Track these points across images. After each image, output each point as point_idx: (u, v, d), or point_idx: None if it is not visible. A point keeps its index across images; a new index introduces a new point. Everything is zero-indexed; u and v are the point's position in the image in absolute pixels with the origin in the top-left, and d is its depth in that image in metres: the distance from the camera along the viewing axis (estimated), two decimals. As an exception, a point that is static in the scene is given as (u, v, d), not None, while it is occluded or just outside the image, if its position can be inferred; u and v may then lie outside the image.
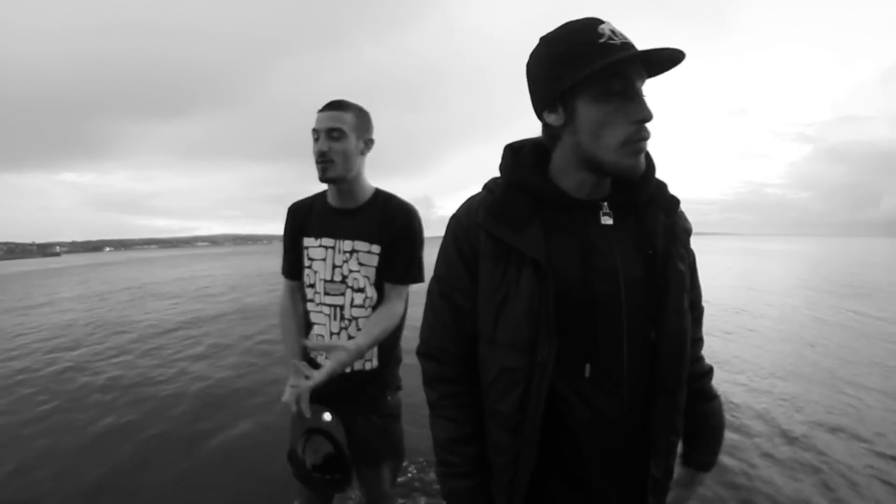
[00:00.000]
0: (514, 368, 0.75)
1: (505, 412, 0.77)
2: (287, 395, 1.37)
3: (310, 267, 1.52)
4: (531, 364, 0.74)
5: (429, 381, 0.88)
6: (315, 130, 1.42)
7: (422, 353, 0.90)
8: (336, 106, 1.42)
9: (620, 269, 0.75)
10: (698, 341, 0.94)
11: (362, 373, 1.49)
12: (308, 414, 1.40)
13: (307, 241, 1.53)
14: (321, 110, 1.43)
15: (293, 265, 1.57)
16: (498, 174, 0.87)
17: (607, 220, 0.78)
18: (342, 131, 1.41)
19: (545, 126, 0.81)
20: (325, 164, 1.41)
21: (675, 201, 0.84)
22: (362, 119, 1.46)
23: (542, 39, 0.77)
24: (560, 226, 0.77)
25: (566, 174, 0.80)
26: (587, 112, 0.73)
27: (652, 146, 0.77)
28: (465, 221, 0.83)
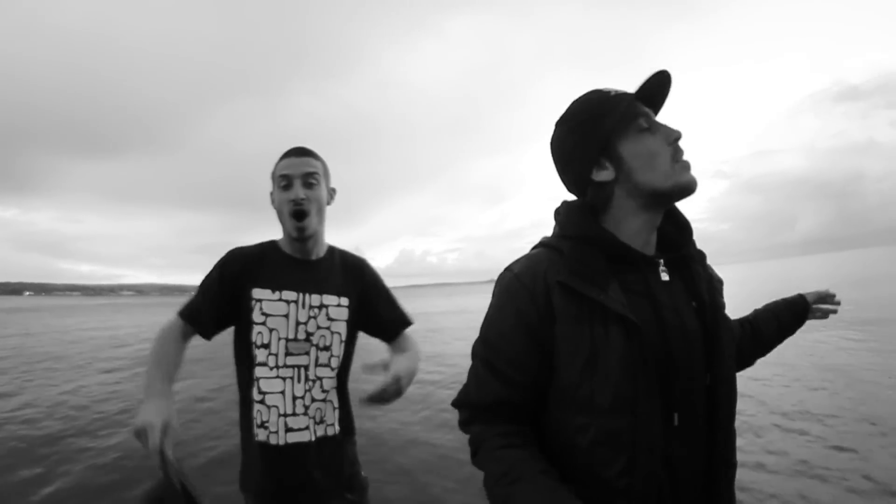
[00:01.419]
0: (619, 431, 0.72)
1: (610, 477, 0.73)
2: (148, 419, 1.02)
3: (263, 323, 1.30)
4: (635, 424, 0.72)
5: (467, 420, 0.84)
6: (285, 176, 1.31)
7: (457, 405, 0.87)
8: (307, 152, 1.35)
9: (682, 321, 0.78)
10: None
11: (324, 440, 1.33)
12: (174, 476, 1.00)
13: (259, 293, 1.31)
14: (288, 156, 1.34)
15: (216, 319, 1.32)
16: (552, 230, 0.89)
17: (665, 277, 0.81)
18: (320, 176, 1.35)
19: (597, 186, 0.83)
20: (305, 217, 1.30)
21: (703, 255, 0.89)
22: (327, 167, 1.40)
23: (560, 120, 0.86)
24: (630, 283, 0.78)
25: (625, 224, 0.82)
26: (634, 149, 0.79)
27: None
28: (530, 283, 0.79)
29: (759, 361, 1.17)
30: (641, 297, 0.77)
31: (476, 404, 0.81)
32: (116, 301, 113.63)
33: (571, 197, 0.89)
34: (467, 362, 0.86)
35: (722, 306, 0.86)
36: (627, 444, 0.71)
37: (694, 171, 0.79)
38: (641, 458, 0.71)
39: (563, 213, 0.86)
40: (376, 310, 1.44)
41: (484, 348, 0.82)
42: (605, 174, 0.81)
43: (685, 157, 0.79)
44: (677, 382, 0.75)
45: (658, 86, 0.80)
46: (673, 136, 0.79)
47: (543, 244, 0.86)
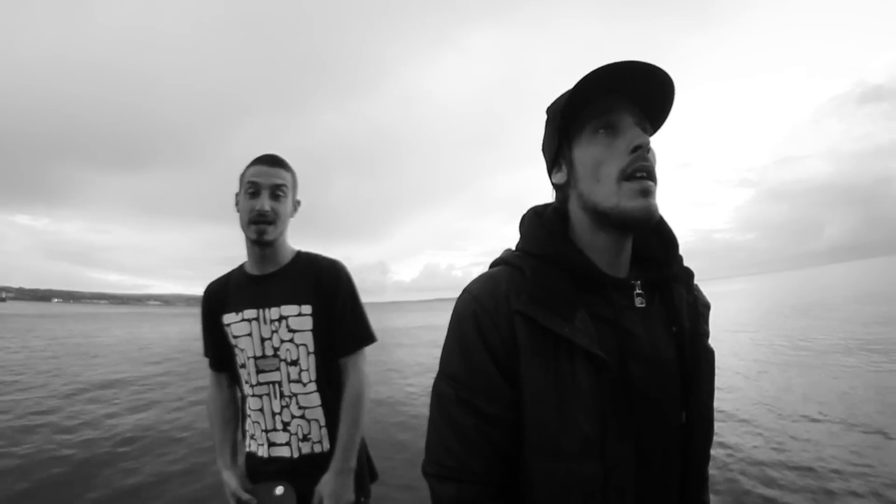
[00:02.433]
0: (590, 477, 0.64)
1: None
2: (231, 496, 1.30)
3: (236, 346, 1.35)
4: (604, 469, 0.64)
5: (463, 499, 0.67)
6: (253, 183, 1.30)
7: (432, 473, 0.69)
8: (279, 162, 1.34)
9: (656, 354, 0.69)
10: None
11: (311, 457, 1.31)
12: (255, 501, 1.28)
13: (227, 318, 1.35)
14: (260, 163, 1.32)
15: (217, 353, 1.42)
16: (514, 244, 0.78)
17: (641, 303, 0.72)
18: (286, 190, 1.33)
19: (554, 188, 0.77)
20: (265, 224, 1.29)
21: (691, 274, 0.78)
22: (295, 179, 1.39)
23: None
24: (599, 310, 0.68)
25: (585, 239, 0.73)
26: (581, 155, 0.70)
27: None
28: (490, 306, 0.68)
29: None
30: (608, 326, 0.67)
31: (468, 467, 0.66)
32: (147, 311, 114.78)
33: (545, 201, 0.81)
34: None
35: (704, 334, 0.76)
36: (598, 491, 0.64)
37: (654, 197, 0.65)
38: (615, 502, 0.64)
39: (527, 225, 0.77)
40: (335, 324, 1.33)
41: (456, 387, 0.68)
42: (558, 176, 0.74)
43: (648, 178, 0.65)
44: (650, 423, 0.67)
45: (644, 79, 0.65)
46: (629, 145, 0.65)
47: (505, 261, 0.75)
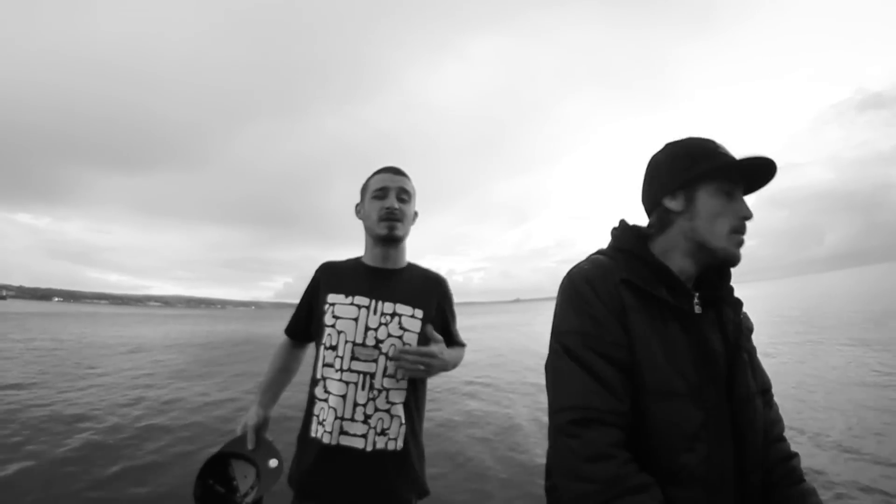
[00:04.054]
0: (695, 416, 0.77)
1: (689, 463, 0.76)
2: (242, 426, 1.37)
3: (333, 326, 1.33)
4: (706, 409, 0.78)
5: (596, 455, 0.74)
6: (382, 189, 1.38)
7: (579, 420, 0.77)
8: (403, 172, 1.42)
9: (712, 341, 0.86)
10: (777, 423, 0.96)
11: (383, 454, 1.28)
12: (251, 444, 1.33)
13: (334, 298, 1.36)
14: (385, 172, 1.41)
15: (302, 325, 1.48)
16: (607, 243, 0.98)
17: (698, 310, 0.88)
18: (410, 195, 1.42)
19: (663, 211, 0.93)
20: (395, 221, 1.36)
21: (740, 303, 0.94)
22: (415, 192, 1.46)
23: (669, 143, 0.94)
24: (665, 302, 0.85)
25: (670, 259, 0.91)
26: (707, 202, 0.87)
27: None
28: (600, 277, 0.86)
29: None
30: (673, 319, 0.85)
31: (614, 408, 0.76)
32: (146, 311, 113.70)
33: (632, 219, 1.00)
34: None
35: (745, 349, 0.90)
36: (701, 429, 0.77)
37: (742, 250, 0.88)
38: (715, 447, 0.77)
39: (620, 230, 0.97)
40: (446, 328, 1.43)
41: (583, 339, 0.81)
42: (674, 204, 0.90)
43: (744, 237, 0.88)
44: (718, 384, 0.82)
45: (763, 172, 0.88)
46: (742, 214, 0.87)
47: (600, 252, 0.95)
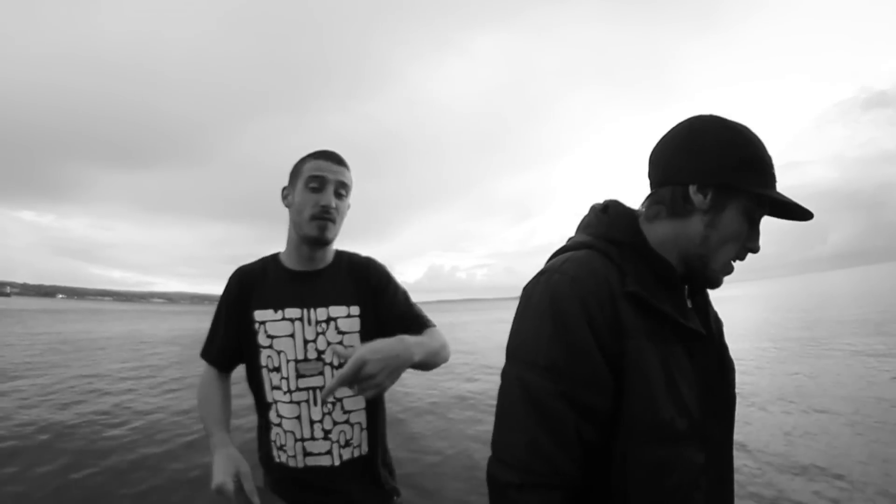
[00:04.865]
0: (695, 460, 0.65)
1: None
2: (219, 478, 0.99)
3: (270, 347, 1.21)
4: (707, 450, 0.67)
5: None
6: (318, 178, 1.20)
7: (519, 483, 0.62)
8: (344, 161, 1.25)
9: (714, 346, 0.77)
10: None
11: (352, 462, 1.22)
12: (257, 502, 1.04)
13: (261, 315, 1.22)
14: (323, 158, 1.23)
15: (227, 350, 1.27)
16: (588, 231, 0.79)
17: (689, 304, 0.78)
18: (348, 189, 1.26)
19: (682, 196, 0.73)
20: (329, 221, 1.20)
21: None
22: (353, 183, 1.29)
23: (726, 124, 0.73)
24: (673, 302, 0.72)
25: (667, 246, 0.75)
26: (733, 220, 0.72)
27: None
28: (593, 286, 0.66)
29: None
30: (686, 318, 0.72)
31: (561, 471, 0.62)
32: (149, 307, 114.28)
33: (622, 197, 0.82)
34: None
35: (726, 347, 0.82)
36: (701, 474, 0.66)
37: (725, 279, 0.77)
38: (714, 496, 0.68)
39: (612, 215, 0.77)
40: (391, 310, 1.26)
41: (552, 380, 0.63)
42: (699, 199, 0.71)
43: (734, 266, 0.76)
44: (725, 409, 0.75)
45: (796, 214, 0.73)
46: (752, 246, 0.74)
47: (587, 245, 0.74)
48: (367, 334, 1.23)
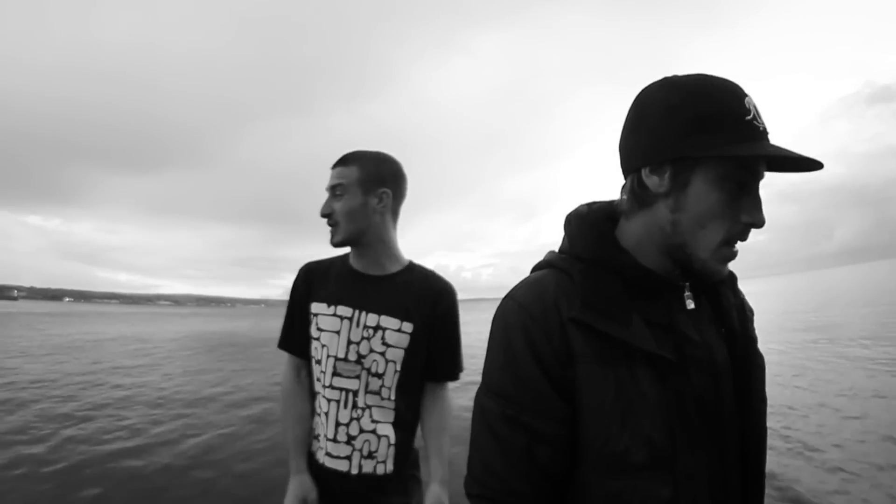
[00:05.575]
0: (660, 493, 0.59)
1: None
2: (289, 503, 1.19)
3: (318, 339, 1.25)
4: (676, 482, 0.59)
5: None
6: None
7: (475, 494, 0.66)
8: (340, 161, 1.26)
9: (711, 357, 0.65)
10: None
11: (371, 478, 1.20)
12: None
13: (316, 307, 1.26)
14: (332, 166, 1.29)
15: (299, 338, 1.30)
16: (559, 246, 0.73)
17: (690, 304, 0.69)
18: (344, 187, 1.24)
19: (639, 187, 0.66)
20: (331, 226, 1.25)
21: (734, 276, 0.76)
22: (371, 170, 1.25)
23: (673, 84, 0.63)
24: (653, 314, 0.64)
25: (643, 253, 0.67)
26: (702, 193, 0.61)
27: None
28: (539, 314, 0.63)
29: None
30: (667, 332, 0.64)
31: (513, 489, 0.62)
32: (156, 310, 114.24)
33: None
34: None
35: (753, 339, 0.73)
36: None
37: (730, 265, 0.65)
38: None
39: (574, 226, 0.72)
40: (436, 349, 1.26)
41: (501, 402, 0.64)
42: (655, 181, 0.63)
43: (736, 248, 0.64)
44: (714, 432, 0.64)
45: (798, 164, 0.61)
46: (749, 219, 0.61)
47: (550, 263, 0.71)
48: (412, 355, 1.23)
